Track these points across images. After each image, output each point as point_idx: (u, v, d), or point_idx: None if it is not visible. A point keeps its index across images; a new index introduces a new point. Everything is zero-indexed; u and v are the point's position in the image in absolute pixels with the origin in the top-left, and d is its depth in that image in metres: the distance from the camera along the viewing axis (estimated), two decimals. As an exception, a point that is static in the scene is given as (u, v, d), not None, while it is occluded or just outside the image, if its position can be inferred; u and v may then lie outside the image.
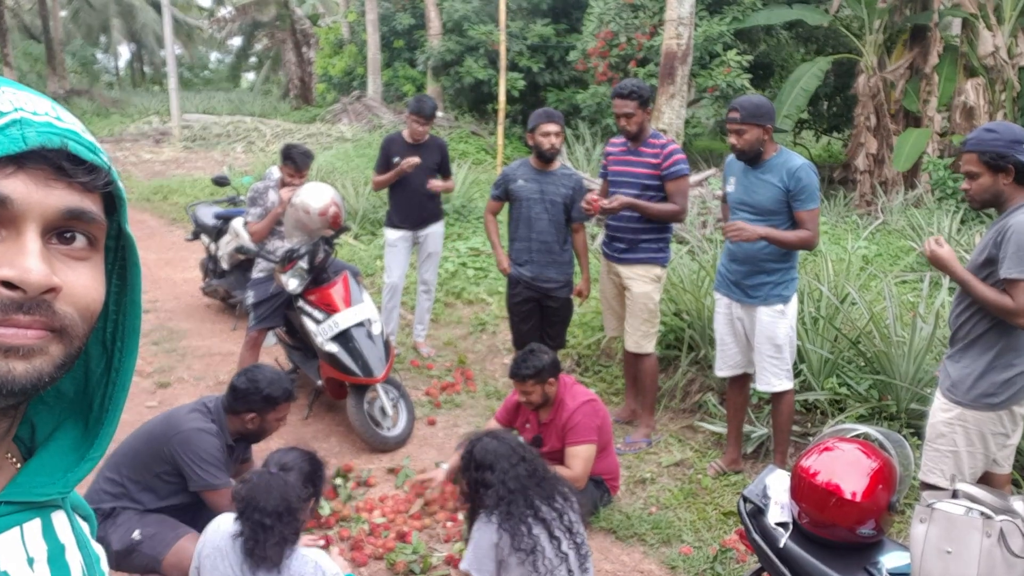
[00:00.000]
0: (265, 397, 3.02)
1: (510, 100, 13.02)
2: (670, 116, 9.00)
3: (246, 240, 5.17)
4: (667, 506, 3.95)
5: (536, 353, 3.65)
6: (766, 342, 3.89)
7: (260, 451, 3.58)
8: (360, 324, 4.49)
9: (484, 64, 13.91)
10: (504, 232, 4.99)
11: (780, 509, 2.48)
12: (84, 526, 0.84)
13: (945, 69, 10.27)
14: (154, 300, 7.04)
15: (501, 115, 11.07)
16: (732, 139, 3.81)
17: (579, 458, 3.63)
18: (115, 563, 2.96)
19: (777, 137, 10.51)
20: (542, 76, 13.95)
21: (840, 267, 5.72)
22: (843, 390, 4.40)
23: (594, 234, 7.17)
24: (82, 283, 0.70)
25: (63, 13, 30.16)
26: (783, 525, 2.45)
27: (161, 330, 6.28)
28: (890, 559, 2.32)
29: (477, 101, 15.04)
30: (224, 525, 2.52)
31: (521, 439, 3.77)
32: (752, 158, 3.80)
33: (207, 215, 6.57)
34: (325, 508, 3.79)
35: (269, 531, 2.40)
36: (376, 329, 4.55)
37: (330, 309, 4.49)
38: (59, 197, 0.67)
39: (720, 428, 4.54)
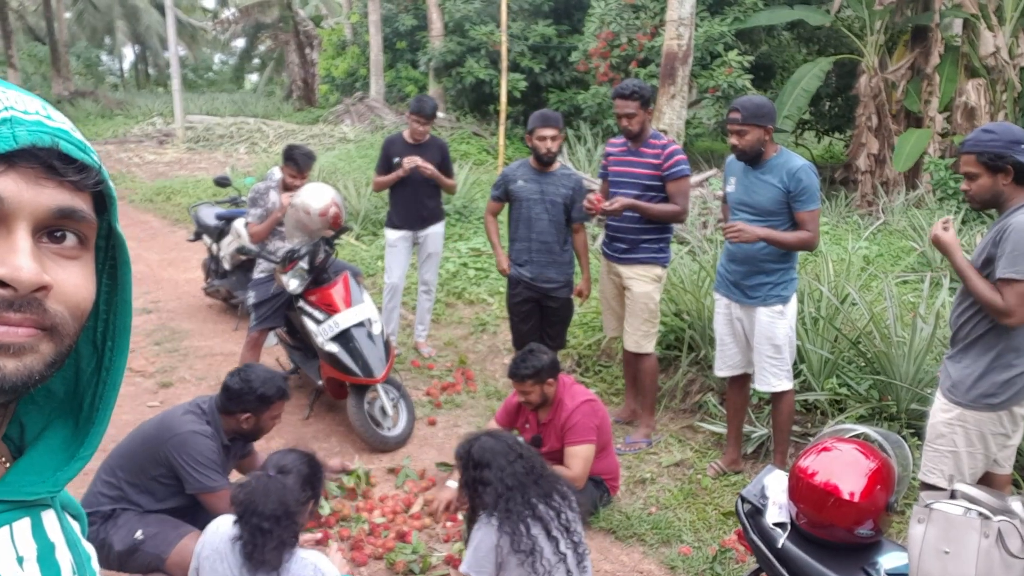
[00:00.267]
0: (259, 397, 3.01)
1: (512, 101, 13.03)
2: (671, 116, 9.00)
3: (247, 241, 5.18)
4: (667, 506, 3.95)
5: (535, 353, 3.65)
6: (765, 342, 3.89)
7: (263, 449, 3.60)
8: (360, 324, 4.49)
9: (485, 64, 13.92)
10: (505, 233, 4.99)
11: (778, 509, 2.48)
12: (74, 525, 0.85)
13: (946, 69, 10.25)
14: (156, 300, 7.05)
15: (502, 116, 11.08)
16: (733, 140, 3.81)
17: (578, 458, 3.63)
18: (118, 564, 2.97)
19: (778, 138, 10.54)
20: (544, 77, 13.96)
21: (841, 267, 5.72)
22: (843, 390, 4.40)
23: (595, 234, 7.17)
24: (73, 282, 0.70)
25: (68, 15, 30.20)
26: (781, 525, 2.45)
27: (163, 330, 6.29)
28: (888, 559, 2.32)
29: (479, 102, 15.05)
30: (223, 527, 2.52)
31: (521, 439, 3.79)
32: (752, 159, 3.80)
33: (209, 216, 6.58)
34: (325, 508, 3.80)
35: (268, 535, 2.39)
36: (376, 329, 4.55)
37: (330, 309, 4.50)
38: (50, 196, 0.68)
39: (720, 428, 4.54)
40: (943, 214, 8.29)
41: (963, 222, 7.99)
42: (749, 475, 4.18)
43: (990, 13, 9.74)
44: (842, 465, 2.37)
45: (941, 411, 2.96)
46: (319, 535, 3.03)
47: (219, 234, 6.40)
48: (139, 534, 2.88)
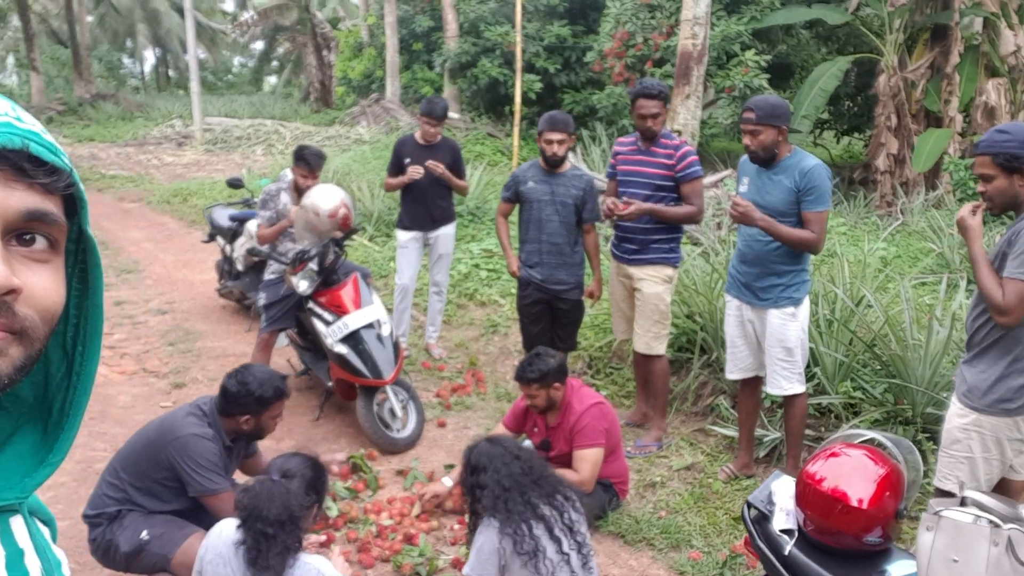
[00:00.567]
0: (257, 399, 2.99)
1: (527, 102, 13.01)
2: (685, 116, 8.94)
3: (257, 242, 5.20)
4: (677, 510, 3.91)
5: (542, 357, 3.62)
6: (776, 345, 3.84)
7: (273, 449, 3.60)
8: (369, 326, 4.49)
9: (500, 64, 13.91)
10: (516, 234, 4.97)
11: (785, 516, 2.44)
12: (44, 531, 0.84)
13: (966, 69, 10.12)
14: (171, 301, 7.10)
15: (517, 117, 11.05)
16: (746, 140, 3.77)
17: (587, 461, 3.60)
18: (124, 564, 2.98)
19: (795, 138, 10.45)
20: (559, 77, 13.93)
21: (857, 269, 5.65)
22: (858, 394, 4.34)
23: (608, 235, 7.12)
24: (42, 285, 0.70)
25: (89, 18, 30.55)
26: (788, 532, 2.41)
27: (177, 331, 6.33)
28: (897, 567, 2.27)
29: (494, 103, 15.05)
30: (226, 531, 2.51)
31: (528, 442, 3.77)
32: (766, 159, 3.76)
33: (222, 217, 6.61)
34: (333, 509, 3.79)
35: (272, 540, 2.39)
36: (386, 331, 4.55)
37: (340, 311, 4.50)
38: (20, 198, 0.67)
39: (732, 432, 4.49)
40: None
41: (984, 223, 7.87)
42: (761, 479, 4.13)
43: (1011, 12, 9.61)
44: (850, 471, 2.32)
45: (957, 416, 2.91)
46: (323, 538, 3.01)
47: (232, 235, 6.43)
48: (145, 534, 2.88)
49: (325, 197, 4.43)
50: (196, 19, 17.14)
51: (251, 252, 4.99)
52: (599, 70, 12.54)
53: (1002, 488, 2.89)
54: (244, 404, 2.98)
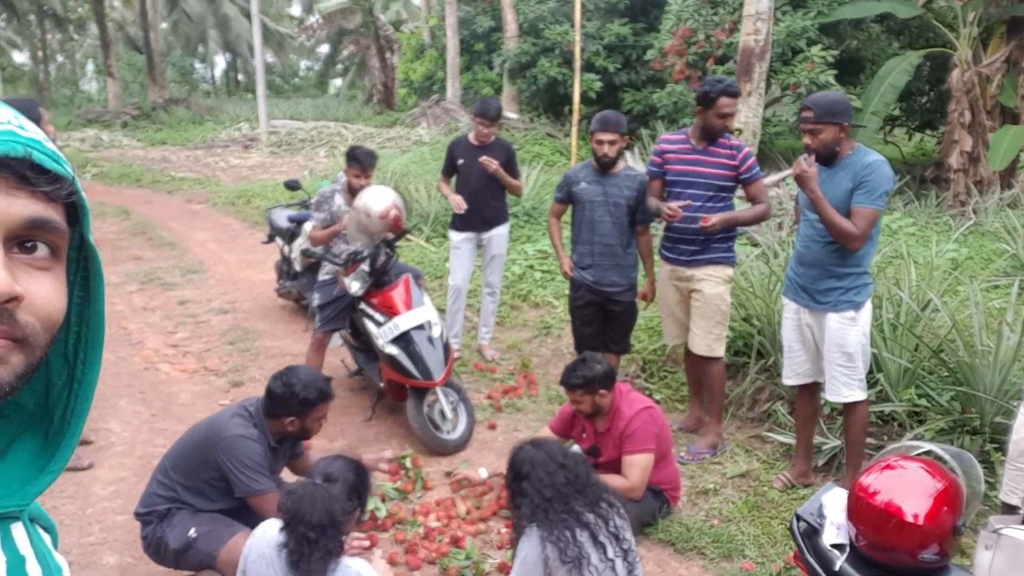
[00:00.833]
0: (301, 400, 3.02)
1: (587, 101, 12.93)
2: (747, 114, 8.74)
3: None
4: (730, 519, 3.81)
5: (588, 363, 3.56)
6: (836, 350, 3.70)
7: (326, 450, 3.64)
8: (420, 327, 4.50)
9: (559, 63, 13.85)
10: (570, 235, 4.93)
11: (836, 530, 2.34)
12: (46, 537, 0.84)
13: (1046, 62, 9.67)
14: (233, 301, 7.26)
15: (575, 116, 10.98)
16: (806, 139, 3.64)
17: (636, 467, 3.53)
18: (173, 561, 3.05)
19: (864, 134, 10.12)
20: (619, 76, 13.81)
21: (924, 271, 5.43)
22: (923, 401, 4.17)
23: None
24: (44, 292, 0.70)
25: (163, 25, 31.60)
26: (839, 547, 2.31)
27: (237, 330, 6.47)
28: (955, 587, 2.16)
29: (553, 103, 15.00)
30: (270, 532, 2.54)
31: (577, 447, 3.73)
32: (827, 158, 3.63)
33: (281, 218, 6.74)
34: (382, 510, 3.80)
35: (314, 544, 2.40)
36: (436, 332, 4.56)
37: (391, 311, 4.53)
38: (22, 206, 0.68)
39: (789, 439, 4.36)
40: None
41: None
42: (819, 489, 4.00)
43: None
44: (906, 484, 2.21)
45: (1024, 427, 2.76)
46: (367, 542, 3.03)
47: (291, 236, 6.54)
48: (192, 532, 2.94)
49: (377, 199, 4.46)
50: (263, 24, 17.56)
51: (305, 253, 5.06)
52: (660, 68, 12.38)
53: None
54: (289, 406, 3.01)
